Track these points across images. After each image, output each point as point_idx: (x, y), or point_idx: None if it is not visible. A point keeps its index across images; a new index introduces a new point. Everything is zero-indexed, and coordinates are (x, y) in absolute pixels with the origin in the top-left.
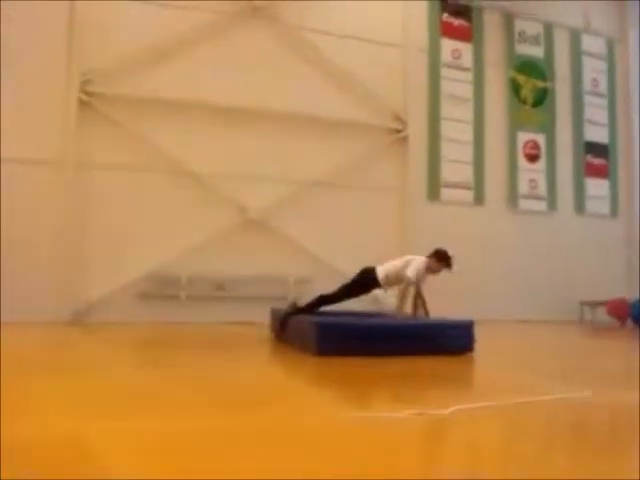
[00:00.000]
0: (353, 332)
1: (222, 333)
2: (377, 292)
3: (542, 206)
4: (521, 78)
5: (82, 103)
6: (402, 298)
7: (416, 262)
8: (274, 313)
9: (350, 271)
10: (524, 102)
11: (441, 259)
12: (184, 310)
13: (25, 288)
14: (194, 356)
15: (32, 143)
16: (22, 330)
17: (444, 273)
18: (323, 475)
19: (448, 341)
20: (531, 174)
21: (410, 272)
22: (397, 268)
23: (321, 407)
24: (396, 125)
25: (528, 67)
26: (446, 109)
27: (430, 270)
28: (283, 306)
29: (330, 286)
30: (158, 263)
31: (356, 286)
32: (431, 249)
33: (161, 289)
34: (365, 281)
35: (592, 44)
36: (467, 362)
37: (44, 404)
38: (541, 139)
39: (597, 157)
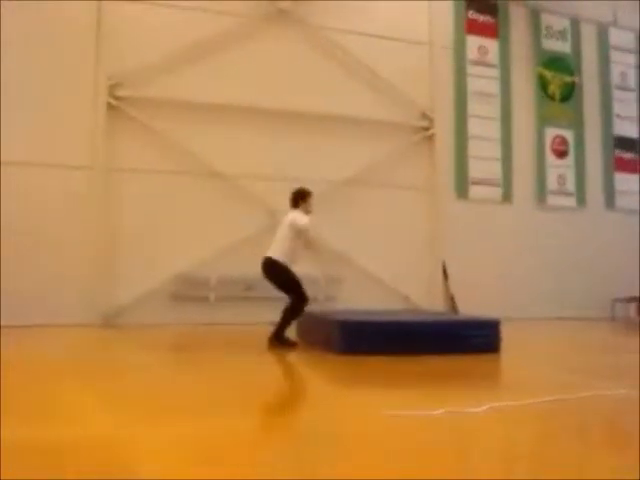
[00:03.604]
0: (376, 330)
1: (251, 334)
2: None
3: (571, 202)
4: (548, 74)
5: (111, 107)
6: (311, 245)
7: (295, 216)
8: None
9: (380, 271)
10: (552, 98)
11: (305, 198)
12: (213, 311)
13: (56, 291)
14: (225, 358)
15: (62, 148)
16: (54, 333)
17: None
18: (364, 476)
19: (473, 340)
20: (559, 170)
21: (300, 221)
22: (290, 241)
23: (354, 407)
24: (423, 123)
25: (555, 62)
26: (473, 106)
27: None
28: (309, 307)
29: (360, 286)
30: (188, 265)
31: (298, 304)
32: (461, 248)
33: (191, 291)
34: (297, 290)
35: (620, 38)
36: (496, 360)
37: (77, 408)
38: (569, 135)
39: (626, 152)
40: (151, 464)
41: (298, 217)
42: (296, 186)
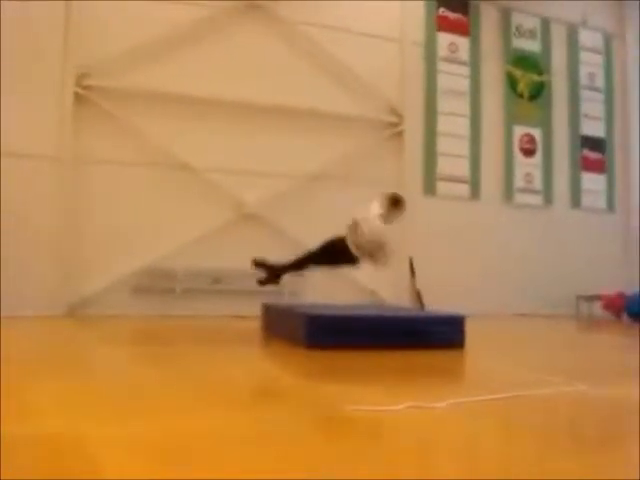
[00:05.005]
0: (343, 325)
1: (216, 327)
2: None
3: (538, 200)
4: (518, 72)
5: (78, 97)
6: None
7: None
8: (265, 308)
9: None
10: (520, 96)
11: (398, 205)
12: (179, 304)
13: (21, 281)
14: (190, 352)
15: (29, 137)
16: (18, 324)
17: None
18: (325, 472)
19: (438, 335)
20: (527, 168)
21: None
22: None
23: (319, 402)
24: (392, 119)
25: (525, 61)
26: (442, 103)
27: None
28: (276, 301)
29: (326, 280)
30: (154, 257)
31: (324, 256)
32: (428, 244)
33: (157, 283)
34: (335, 252)
35: (589, 39)
36: (460, 356)
37: (40, 403)
38: (537, 133)
39: (593, 151)
40: (113, 464)
41: (373, 219)
42: (264, 180)
